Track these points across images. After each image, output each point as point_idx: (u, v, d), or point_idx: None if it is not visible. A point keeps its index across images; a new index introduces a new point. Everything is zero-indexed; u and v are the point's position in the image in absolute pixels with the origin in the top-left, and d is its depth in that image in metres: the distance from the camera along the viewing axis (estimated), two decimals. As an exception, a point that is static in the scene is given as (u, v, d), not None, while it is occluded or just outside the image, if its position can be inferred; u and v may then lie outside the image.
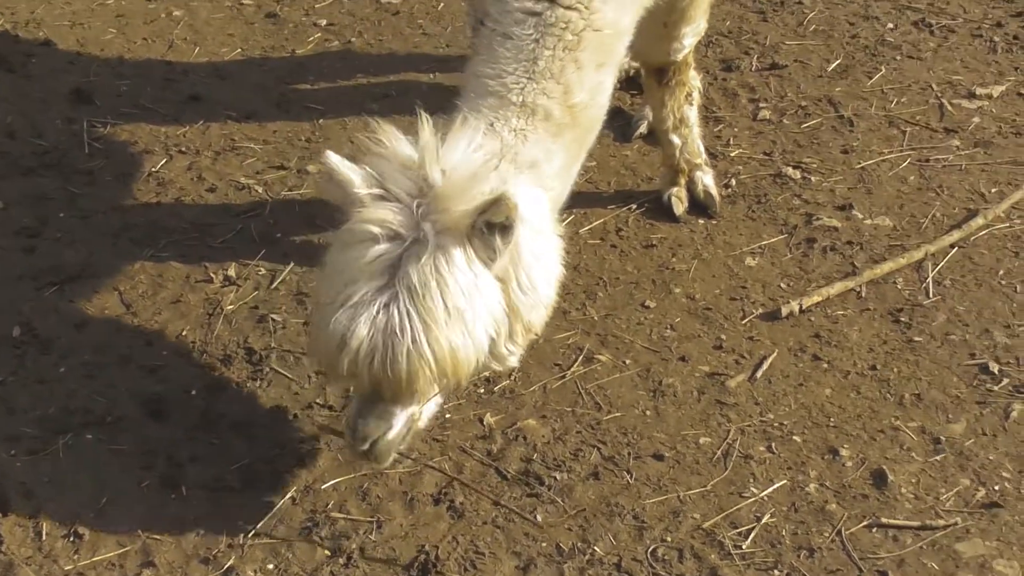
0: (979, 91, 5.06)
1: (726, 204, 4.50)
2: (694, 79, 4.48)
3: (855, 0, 5.67)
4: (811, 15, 5.57)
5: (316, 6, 5.66)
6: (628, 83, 5.15)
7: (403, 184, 3.07)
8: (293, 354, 3.88)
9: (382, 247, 3.05)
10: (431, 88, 5.18)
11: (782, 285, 4.15)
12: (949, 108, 4.98)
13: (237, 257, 4.26)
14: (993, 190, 4.54)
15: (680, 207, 4.48)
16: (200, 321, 4.00)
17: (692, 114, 4.49)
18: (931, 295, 4.06)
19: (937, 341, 3.89)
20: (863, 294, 4.09)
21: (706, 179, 4.52)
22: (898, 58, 5.28)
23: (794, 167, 4.70)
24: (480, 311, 3.09)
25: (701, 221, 4.44)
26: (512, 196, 3.03)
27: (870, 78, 5.17)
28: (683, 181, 4.52)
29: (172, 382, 3.79)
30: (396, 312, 3.05)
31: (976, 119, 4.91)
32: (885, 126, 4.90)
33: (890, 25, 5.49)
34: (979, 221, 4.34)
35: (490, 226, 3.05)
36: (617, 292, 4.13)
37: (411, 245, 3.03)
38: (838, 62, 5.26)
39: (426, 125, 3.08)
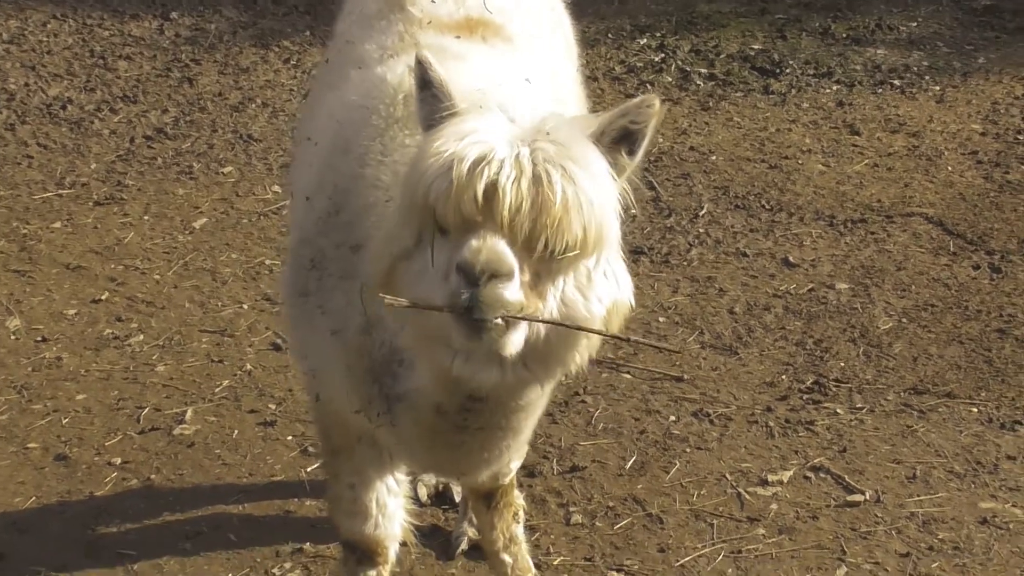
0: (770, 477, 5.58)
1: (561, 616, 4.78)
2: (518, 497, 4.81)
3: (633, 395, 6.18)
4: (597, 413, 6.04)
5: (107, 444, 5.78)
6: (438, 498, 5.45)
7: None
8: None
9: (500, 118, 3.08)
10: (241, 519, 5.34)
11: None
12: (747, 496, 5.47)
13: None
14: (807, 576, 5.00)
15: (518, 626, 4.72)
16: None
17: (520, 531, 4.80)
18: None
19: None
20: None
21: (538, 593, 4.80)
22: (688, 450, 5.78)
23: (617, 570, 5.05)
24: (614, 196, 3.09)
25: (541, 638, 4.70)
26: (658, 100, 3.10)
27: (667, 472, 5.63)
28: (517, 598, 4.78)
29: None
30: (541, 146, 3.00)
31: (774, 506, 5.41)
32: (693, 520, 5.34)
33: (672, 418, 6.01)
34: (804, 610, 4.76)
35: (625, 134, 3.10)
36: None
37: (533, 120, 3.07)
38: (634, 459, 5.72)
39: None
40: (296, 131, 5.94)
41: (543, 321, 3.16)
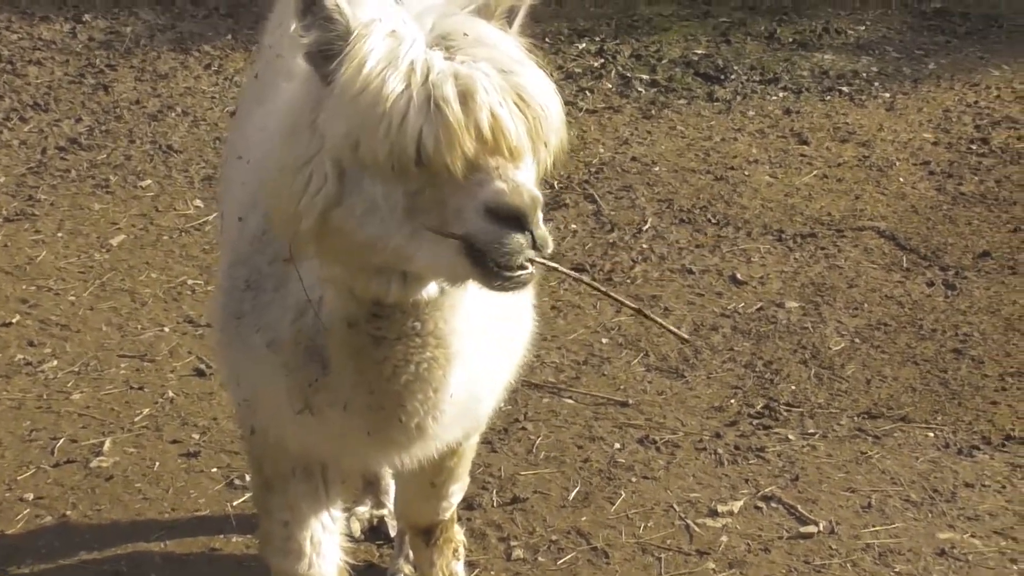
0: (720, 508, 5.59)
1: (503, 657, 4.77)
2: (459, 533, 4.81)
3: (576, 421, 6.18)
4: (538, 440, 6.03)
5: (18, 478, 5.69)
6: (373, 533, 5.42)
7: None
8: None
9: (411, 28, 3.09)
10: (164, 558, 5.28)
11: None
12: (696, 528, 5.47)
13: None
14: (760, 612, 5.01)
15: (457, 666, 4.71)
16: None
17: (460, 568, 4.79)
18: None
19: None
20: None
21: (478, 633, 4.79)
22: (634, 480, 5.78)
23: (561, 608, 5.05)
24: None
25: None
26: None
27: (612, 503, 5.63)
28: (455, 637, 4.77)
29: None
30: (490, 55, 3.04)
31: (724, 538, 5.42)
32: (639, 554, 5.34)
33: (617, 445, 6.01)
34: (757, 648, 4.77)
35: (509, 10, 3.22)
36: None
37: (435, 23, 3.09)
38: (577, 489, 5.71)
39: None
40: (224, 149, 5.90)
41: (568, 275, 3.37)
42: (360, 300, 3.45)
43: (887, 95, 9.26)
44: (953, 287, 7.11)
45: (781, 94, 9.29)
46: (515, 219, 3.01)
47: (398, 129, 3.00)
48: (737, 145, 8.61)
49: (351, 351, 3.59)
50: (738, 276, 7.21)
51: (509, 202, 2.99)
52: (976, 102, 9.13)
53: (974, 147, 8.55)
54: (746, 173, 8.27)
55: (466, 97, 3.00)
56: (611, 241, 7.53)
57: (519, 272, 3.07)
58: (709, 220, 7.75)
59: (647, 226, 7.66)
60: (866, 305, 6.97)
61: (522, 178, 3.04)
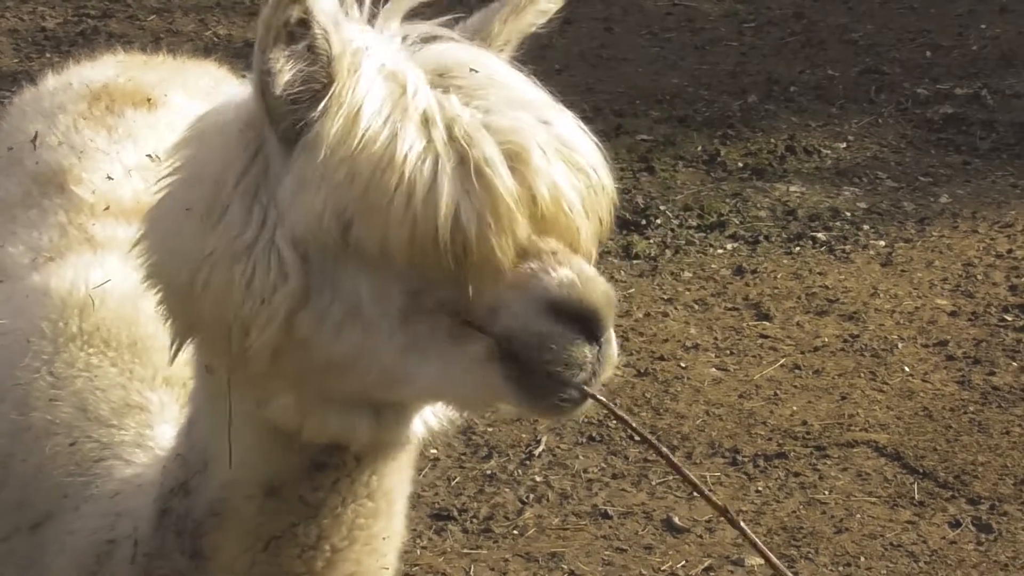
0: None
1: None
2: None
3: None
4: None
5: None
6: None
7: None
8: None
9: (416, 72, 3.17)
10: None
11: None
12: None
13: None
14: None
15: None
16: None
17: None
18: None
19: None
20: None
21: None
22: None
23: None
24: None
25: None
26: None
27: None
28: None
29: None
30: (514, 99, 3.13)
31: None
32: None
33: None
34: None
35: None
36: None
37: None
38: None
39: None
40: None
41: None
42: (302, 446, 3.39)
43: (882, 243, 9.38)
44: (988, 528, 7.14)
45: (730, 245, 9.37)
46: (582, 322, 3.13)
47: (424, 205, 3.07)
48: (668, 323, 8.65)
49: (258, 538, 3.52)
50: (675, 520, 7.19)
51: (582, 297, 3.12)
52: (1010, 251, 9.28)
53: (1009, 318, 8.66)
54: (682, 365, 8.30)
55: (516, 160, 3.10)
56: (488, 472, 7.48)
57: (574, 393, 3.16)
58: (631, 436, 7.74)
59: (540, 449, 7.63)
60: (863, 559, 6.97)
61: (589, 268, 3.17)
